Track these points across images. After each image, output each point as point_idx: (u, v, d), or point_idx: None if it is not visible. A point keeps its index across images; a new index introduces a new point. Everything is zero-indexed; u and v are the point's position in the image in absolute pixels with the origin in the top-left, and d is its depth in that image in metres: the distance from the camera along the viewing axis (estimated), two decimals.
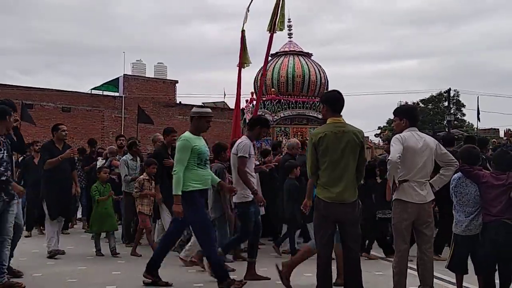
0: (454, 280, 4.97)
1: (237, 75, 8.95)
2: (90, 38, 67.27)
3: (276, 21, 8.12)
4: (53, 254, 6.89)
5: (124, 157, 8.31)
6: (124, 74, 28.01)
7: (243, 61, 8.74)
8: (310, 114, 10.57)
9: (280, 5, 8.04)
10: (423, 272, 4.39)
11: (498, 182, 4.52)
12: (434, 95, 41.56)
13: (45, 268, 6.21)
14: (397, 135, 4.50)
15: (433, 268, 4.43)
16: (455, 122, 38.13)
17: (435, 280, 4.52)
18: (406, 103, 30.08)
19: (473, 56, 69.73)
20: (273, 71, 10.91)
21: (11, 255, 5.33)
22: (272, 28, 8.09)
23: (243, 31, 8.73)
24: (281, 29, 8.22)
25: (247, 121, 11.34)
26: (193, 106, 9.44)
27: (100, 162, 9.29)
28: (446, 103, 36.79)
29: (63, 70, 68.10)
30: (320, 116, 10.24)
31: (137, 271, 5.51)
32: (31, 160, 9.37)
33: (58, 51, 67.82)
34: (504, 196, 4.48)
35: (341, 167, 4.22)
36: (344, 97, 4.46)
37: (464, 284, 4.85)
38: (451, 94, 36.25)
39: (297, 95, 10.73)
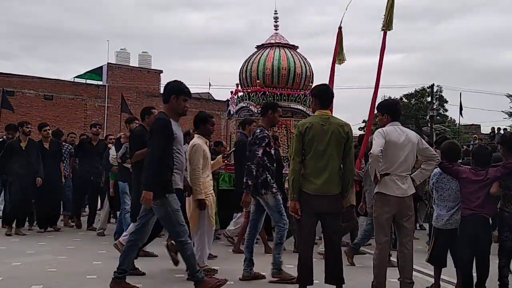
0: (433, 273, 5.05)
1: (330, 71, 9.07)
2: (73, 24, 66.11)
3: (388, 20, 8.17)
4: None
5: None
6: (108, 63, 27.66)
7: (338, 57, 8.84)
8: (295, 107, 10.56)
9: (391, 4, 8.06)
10: (402, 264, 4.44)
11: (477, 178, 4.61)
12: (418, 89, 41.90)
13: (25, 257, 6.13)
14: (379, 129, 4.54)
15: (413, 261, 4.49)
16: (438, 118, 38.45)
17: (414, 273, 4.58)
18: (390, 97, 30.29)
19: (457, 52, 70.44)
20: (258, 63, 10.88)
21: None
22: (386, 26, 8.19)
23: (340, 28, 8.84)
24: (389, 29, 8.21)
25: (231, 112, 11.34)
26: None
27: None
28: (429, 98, 37.10)
29: (44, 55, 66.78)
30: (301, 108, 10.23)
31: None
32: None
33: (38, 35, 66.43)
34: (482, 191, 4.57)
35: (325, 158, 4.28)
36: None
37: (442, 277, 4.94)
38: (434, 90, 36.57)
39: (282, 87, 10.72)
